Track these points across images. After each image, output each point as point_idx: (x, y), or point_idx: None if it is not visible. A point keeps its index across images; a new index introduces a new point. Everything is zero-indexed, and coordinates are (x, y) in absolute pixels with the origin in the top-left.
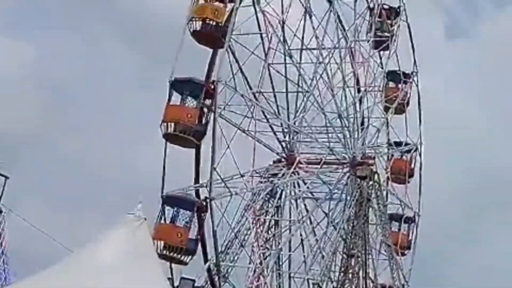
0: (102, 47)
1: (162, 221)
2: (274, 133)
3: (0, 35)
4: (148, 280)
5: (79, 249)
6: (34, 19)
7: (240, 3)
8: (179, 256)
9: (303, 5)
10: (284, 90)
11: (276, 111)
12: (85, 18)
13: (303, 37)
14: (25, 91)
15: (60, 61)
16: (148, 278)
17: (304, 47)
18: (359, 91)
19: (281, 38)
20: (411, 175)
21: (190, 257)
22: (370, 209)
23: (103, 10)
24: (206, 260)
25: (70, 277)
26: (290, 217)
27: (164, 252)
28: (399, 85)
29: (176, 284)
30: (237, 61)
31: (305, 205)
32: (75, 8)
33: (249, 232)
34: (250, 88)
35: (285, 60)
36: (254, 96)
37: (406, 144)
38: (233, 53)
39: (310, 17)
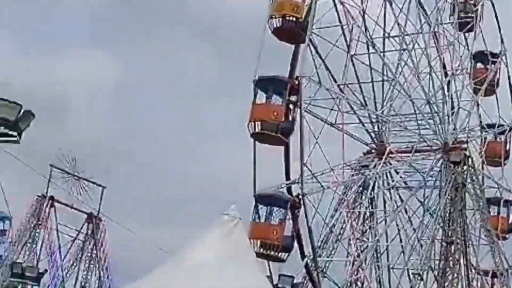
0: (180, 51)
1: (257, 220)
2: (362, 124)
3: (81, 46)
4: (247, 279)
5: (176, 252)
6: (112, 28)
7: None
8: (276, 253)
9: None
10: (370, 80)
11: (363, 102)
12: (160, 23)
13: (384, 25)
14: (105, 99)
15: (139, 68)
16: (247, 277)
17: (386, 35)
18: (446, 75)
19: (363, 28)
20: (507, 157)
21: (287, 254)
22: (467, 194)
23: (179, 14)
24: (303, 256)
25: (170, 280)
26: (384, 208)
27: (261, 250)
28: (488, 66)
29: (275, 281)
30: (319, 55)
31: (399, 194)
32: (149, 14)
33: (344, 226)
34: (335, 81)
35: (368, 49)
36: (340, 89)
37: (499, 126)
38: (315, 47)
39: (391, 4)
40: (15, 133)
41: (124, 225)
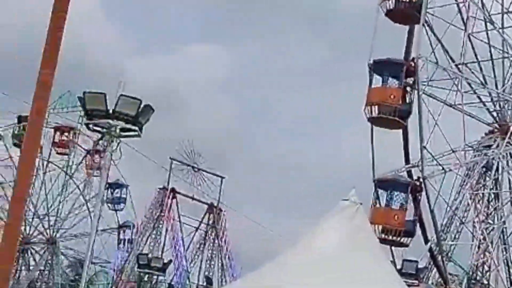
0: (290, 40)
1: (377, 205)
2: (483, 103)
3: (194, 42)
4: (372, 265)
5: (297, 239)
6: (223, 22)
7: None
8: (398, 238)
9: None
10: (489, 58)
11: (483, 80)
12: (269, 14)
13: (502, 0)
14: (219, 92)
15: (251, 60)
16: (371, 262)
17: (505, 11)
18: None
19: (480, 5)
20: None
21: (409, 238)
22: None
23: (287, 3)
24: (426, 241)
25: (292, 268)
26: (510, 188)
27: (383, 236)
28: None
29: (398, 267)
30: (435, 34)
31: None
32: (257, 6)
33: (468, 208)
34: (453, 61)
35: (486, 27)
36: (458, 68)
37: None
38: (430, 27)
39: None
40: (136, 128)
41: (245, 214)
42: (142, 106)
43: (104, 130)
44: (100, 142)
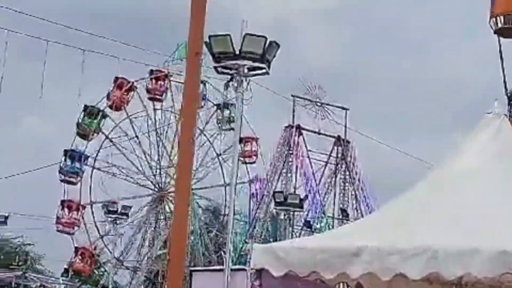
0: None
1: None
2: None
3: None
4: None
5: (441, 161)
6: None
7: None
8: None
9: None
10: None
11: None
12: None
13: None
14: (333, 23)
15: None
16: None
17: None
18: None
19: None
20: None
21: None
22: None
23: None
24: None
25: (440, 190)
26: None
27: None
28: None
29: None
30: None
31: None
32: None
33: None
34: None
35: None
36: None
37: None
38: None
39: None
40: (264, 65)
41: (376, 142)
42: (267, 43)
43: (233, 71)
44: (230, 83)
